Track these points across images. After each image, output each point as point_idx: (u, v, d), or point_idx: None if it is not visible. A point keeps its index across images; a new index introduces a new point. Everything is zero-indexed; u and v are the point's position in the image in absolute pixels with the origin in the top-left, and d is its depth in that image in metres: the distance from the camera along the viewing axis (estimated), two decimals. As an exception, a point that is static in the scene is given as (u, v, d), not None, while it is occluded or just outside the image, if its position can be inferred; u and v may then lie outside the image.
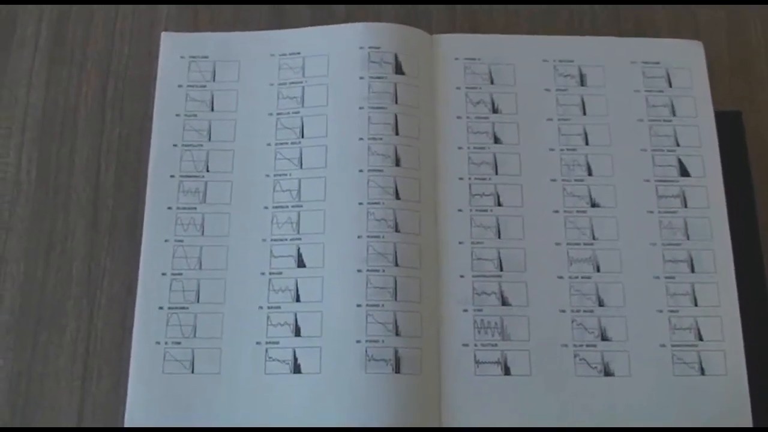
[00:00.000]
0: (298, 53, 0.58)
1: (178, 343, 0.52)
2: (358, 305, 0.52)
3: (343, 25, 0.58)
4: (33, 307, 0.54)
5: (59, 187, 0.57)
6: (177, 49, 0.58)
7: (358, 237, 0.53)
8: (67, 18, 0.61)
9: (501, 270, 0.54)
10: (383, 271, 0.52)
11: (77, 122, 0.58)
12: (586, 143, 0.57)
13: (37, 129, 0.58)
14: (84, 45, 0.60)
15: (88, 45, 0.60)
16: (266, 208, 0.55)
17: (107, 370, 0.53)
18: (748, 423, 0.51)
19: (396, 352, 0.51)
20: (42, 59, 0.60)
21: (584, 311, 0.53)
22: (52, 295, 0.55)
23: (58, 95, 0.59)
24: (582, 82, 0.58)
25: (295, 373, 0.51)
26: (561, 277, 0.54)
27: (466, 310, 0.53)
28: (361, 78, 0.56)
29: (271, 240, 0.54)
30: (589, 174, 0.56)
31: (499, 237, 0.54)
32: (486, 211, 0.55)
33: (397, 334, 0.51)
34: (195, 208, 0.55)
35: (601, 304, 0.53)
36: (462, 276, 0.54)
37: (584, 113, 0.57)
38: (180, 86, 0.57)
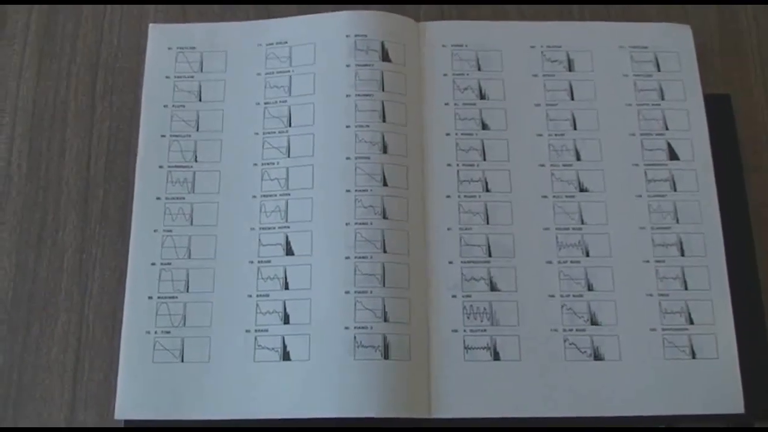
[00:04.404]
0: (285, 42, 0.58)
1: (168, 332, 0.52)
2: (347, 292, 0.52)
3: (329, 13, 0.58)
4: (24, 300, 0.55)
5: (50, 179, 0.57)
6: (164, 41, 0.58)
7: (346, 224, 0.53)
8: (57, 12, 0.61)
9: (490, 256, 0.54)
10: (371, 257, 0.52)
11: (67, 115, 0.59)
12: (574, 128, 0.57)
13: (27, 122, 0.58)
14: (73, 38, 0.60)
15: (77, 38, 0.60)
16: (254, 197, 0.55)
17: (99, 360, 0.53)
18: (740, 406, 0.51)
19: (385, 338, 0.51)
20: (32, 53, 0.60)
21: (573, 296, 0.53)
22: (43, 287, 0.55)
23: (48, 89, 0.59)
24: (570, 67, 0.58)
25: (284, 360, 0.51)
26: (550, 262, 0.54)
27: (455, 296, 0.53)
28: (347, 66, 0.56)
29: (260, 228, 0.54)
30: (578, 159, 0.56)
31: (488, 223, 0.54)
32: (474, 197, 0.55)
33: (385, 320, 0.51)
34: (183, 198, 0.55)
35: (590, 288, 0.53)
36: (451, 262, 0.54)
37: (572, 98, 0.57)
38: (167, 77, 0.57)
